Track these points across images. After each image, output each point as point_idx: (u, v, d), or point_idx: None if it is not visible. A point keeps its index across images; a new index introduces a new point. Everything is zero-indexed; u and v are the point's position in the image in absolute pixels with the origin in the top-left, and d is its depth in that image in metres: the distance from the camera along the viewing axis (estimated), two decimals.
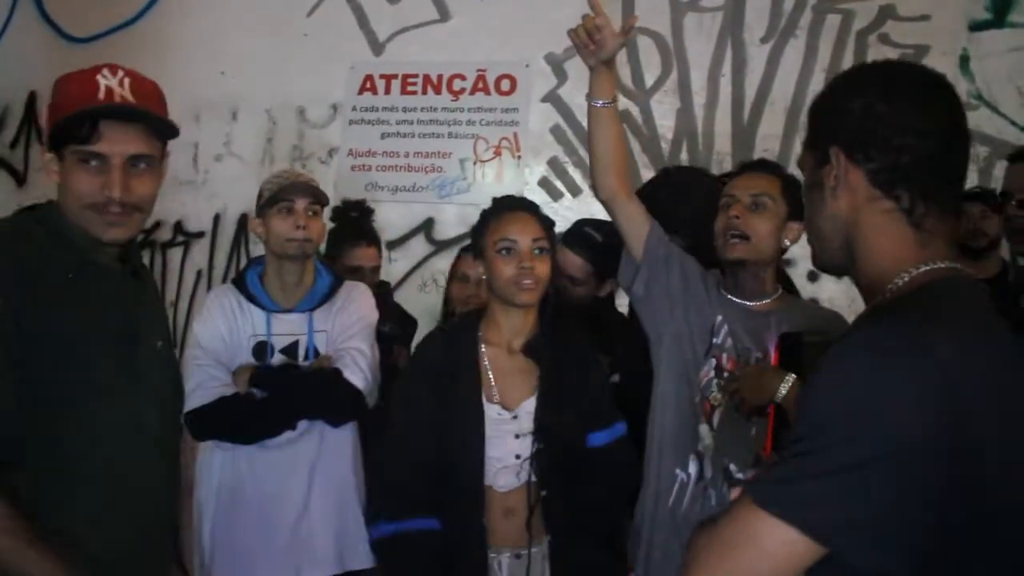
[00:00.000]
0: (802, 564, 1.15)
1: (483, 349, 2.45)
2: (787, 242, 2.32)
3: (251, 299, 2.73)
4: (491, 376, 2.42)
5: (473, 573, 2.33)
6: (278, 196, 2.68)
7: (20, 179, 5.03)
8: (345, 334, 2.74)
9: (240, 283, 2.78)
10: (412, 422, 2.42)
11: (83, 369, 1.74)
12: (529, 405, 2.38)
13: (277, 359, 2.70)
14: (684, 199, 2.74)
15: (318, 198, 2.72)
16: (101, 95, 1.78)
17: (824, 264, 1.44)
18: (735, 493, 1.27)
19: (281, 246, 2.68)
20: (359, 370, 2.66)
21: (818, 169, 1.37)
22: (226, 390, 2.58)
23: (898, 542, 1.12)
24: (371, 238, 3.42)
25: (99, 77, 1.80)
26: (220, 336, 2.68)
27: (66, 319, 1.74)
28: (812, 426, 1.16)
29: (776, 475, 1.19)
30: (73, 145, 1.77)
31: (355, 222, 3.38)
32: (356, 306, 2.80)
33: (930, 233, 1.32)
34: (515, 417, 2.37)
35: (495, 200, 2.55)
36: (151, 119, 1.84)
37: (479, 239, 2.48)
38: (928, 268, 1.29)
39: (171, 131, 1.90)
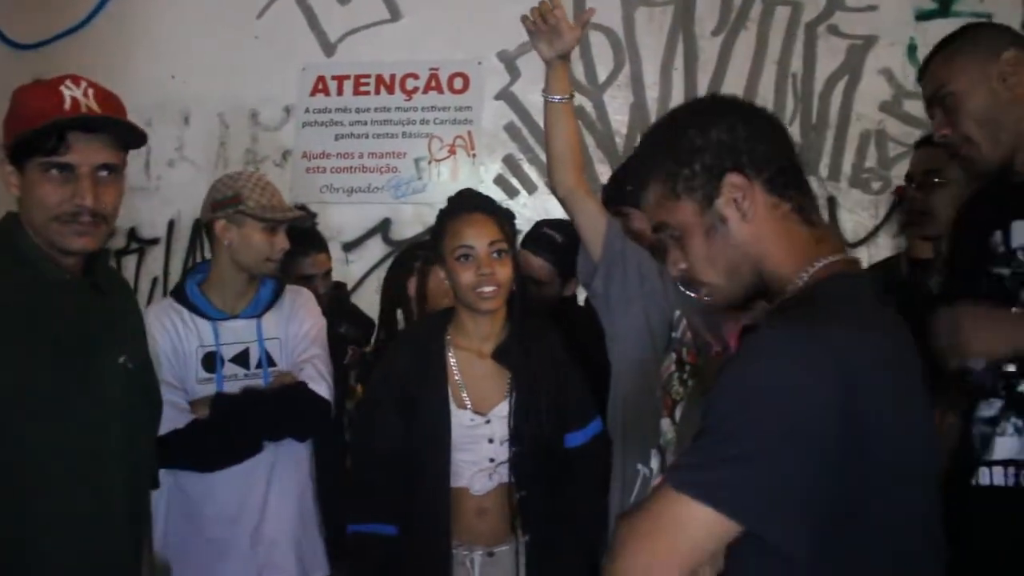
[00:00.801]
0: (721, 541, 1.25)
1: (451, 354, 2.43)
2: None
3: (193, 310, 2.66)
4: (461, 382, 2.40)
5: (436, 571, 2.33)
6: (265, 219, 2.62)
7: None
8: (302, 344, 2.71)
9: (180, 295, 2.71)
10: (378, 427, 2.41)
11: (30, 384, 1.72)
12: (502, 410, 2.38)
13: (228, 370, 2.66)
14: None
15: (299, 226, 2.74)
16: (67, 106, 1.77)
17: (733, 300, 1.48)
18: (656, 481, 1.33)
19: (257, 264, 2.64)
20: (323, 380, 2.65)
21: (707, 209, 1.42)
22: (178, 419, 2.50)
23: (802, 514, 1.22)
24: (319, 245, 3.38)
25: (63, 88, 1.79)
26: (166, 356, 2.60)
27: (12, 333, 1.71)
28: (720, 415, 1.26)
29: (690, 461, 1.28)
30: (39, 157, 1.75)
31: (300, 230, 3.33)
32: (306, 313, 2.77)
33: (820, 228, 1.45)
34: (488, 422, 2.37)
35: (450, 200, 2.51)
36: (123, 127, 1.85)
37: (437, 244, 2.45)
38: (826, 262, 1.40)
39: (139, 139, 1.90)
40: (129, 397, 1.95)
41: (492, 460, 2.36)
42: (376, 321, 3.50)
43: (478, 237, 2.35)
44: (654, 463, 2.33)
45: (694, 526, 1.23)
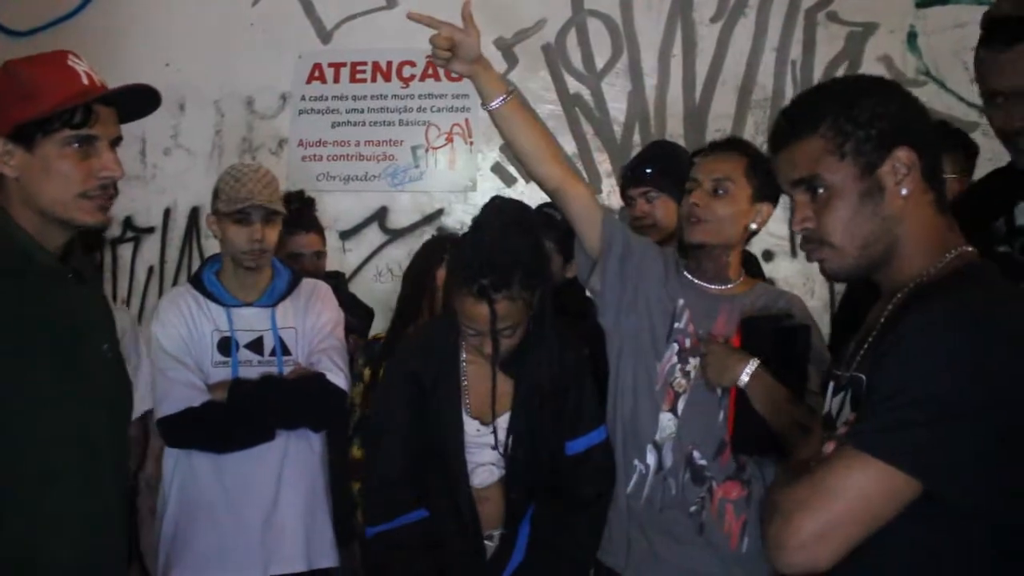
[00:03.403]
0: (902, 504, 1.29)
1: (464, 359, 2.41)
2: (754, 226, 2.30)
3: (209, 296, 2.69)
4: (471, 389, 2.39)
5: (471, 555, 2.35)
6: (233, 205, 2.62)
7: None
8: (319, 335, 2.73)
9: (197, 282, 2.74)
10: (392, 426, 2.39)
11: (19, 374, 1.70)
12: (506, 420, 2.36)
13: (243, 355, 2.67)
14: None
15: (276, 208, 2.68)
16: (85, 80, 1.77)
17: (852, 270, 1.51)
18: (829, 447, 1.37)
19: (237, 257, 2.66)
20: (340, 371, 2.66)
21: (867, 175, 1.45)
22: (194, 397, 2.54)
23: (994, 481, 1.29)
24: (309, 225, 3.35)
25: (71, 64, 1.78)
26: (181, 337, 2.64)
27: (6, 324, 1.69)
28: (905, 383, 1.30)
29: (876, 425, 1.31)
30: (65, 131, 1.73)
31: (294, 213, 3.31)
32: (324, 306, 2.79)
33: (949, 218, 1.51)
34: (493, 430, 2.35)
35: (467, 262, 2.28)
36: (152, 97, 1.88)
37: (447, 293, 2.41)
38: (962, 251, 1.47)
39: (139, 112, 1.91)
40: (113, 386, 1.93)
41: (494, 463, 2.35)
42: (374, 310, 3.50)
43: (479, 322, 2.24)
44: (650, 459, 2.30)
45: (878, 488, 1.28)
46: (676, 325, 2.32)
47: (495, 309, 2.20)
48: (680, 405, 2.28)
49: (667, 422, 2.28)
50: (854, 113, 1.45)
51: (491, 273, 2.20)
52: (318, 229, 3.42)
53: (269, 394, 2.61)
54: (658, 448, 2.29)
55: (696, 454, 2.26)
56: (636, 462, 2.31)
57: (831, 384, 1.60)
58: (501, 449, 2.34)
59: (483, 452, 2.36)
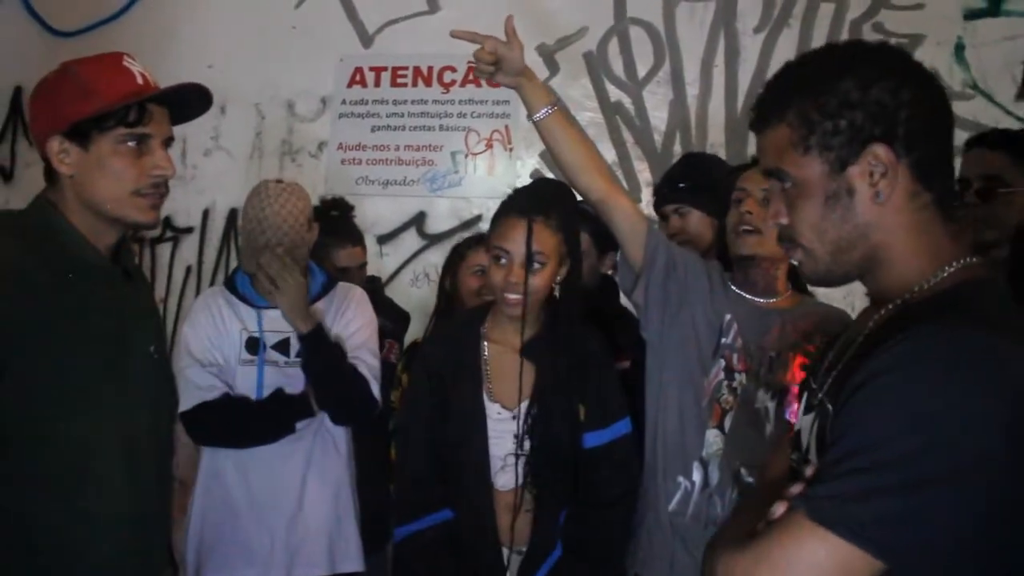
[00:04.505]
0: None
1: (485, 346, 2.40)
2: None
3: (241, 298, 2.72)
4: (491, 375, 2.37)
5: (488, 571, 2.31)
6: (261, 233, 2.64)
7: (7, 175, 4.96)
8: (351, 343, 2.72)
9: (230, 283, 2.77)
10: (417, 421, 2.39)
11: (69, 374, 1.71)
12: (527, 406, 2.34)
13: (270, 355, 2.68)
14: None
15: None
16: (140, 80, 1.81)
17: (827, 276, 1.33)
18: (780, 509, 1.16)
19: (261, 285, 2.68)
20: (376, 383, 2.66)
21: (837, 174, 1.26)
22: (206, 394, 2.57)
23: (960, 559, 1.09)
24: (355, 238, 3.36)
25: (127, 64, 1.82)
26: (207, 337, 2.66)
27: (51, 323, 1.70)
28: (873, 439, 1.09)
29: (833, 491, 1.10)
30: (120, 129, 1.77)
31: (336, 222, 3.31)
32: (357, 311, 2.78)
33: (958, 224, 1.32)
34: (514, 417, 2.33)
35: (515, 191, 2.47)
36: (203, 98, 1.93)
37: (488, 232, 2.41)
38: (962, 264, 1.25)
39: (193, 113, 1.97)
40: (156, 387, 1.95)
41: (514, 456, 2.32)
42: (410, 315, 3.51)
43: (516, 243, 2.26)
44: (696, 476, 2.27)
45: (832, 565, 1.08)
46: (723, 340, 2.28)
47: (533, 227, 2.23)
48: (727, 422, 2.25)
49: (714, 438, 2.25)
50: (822, 99, 1.25)
51: (534, 198, 2.30)
52: (361, 240, 3.41)
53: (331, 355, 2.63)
54: (704, 465, 2.26)
55: (744, 471, 2.22)
56: (681, 479, 2.28)
57: (804, 397, 1.45)
58: (521, 430, 2.31)
59: (503, 441, 2.33)
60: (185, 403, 2.52)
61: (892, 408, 1.09)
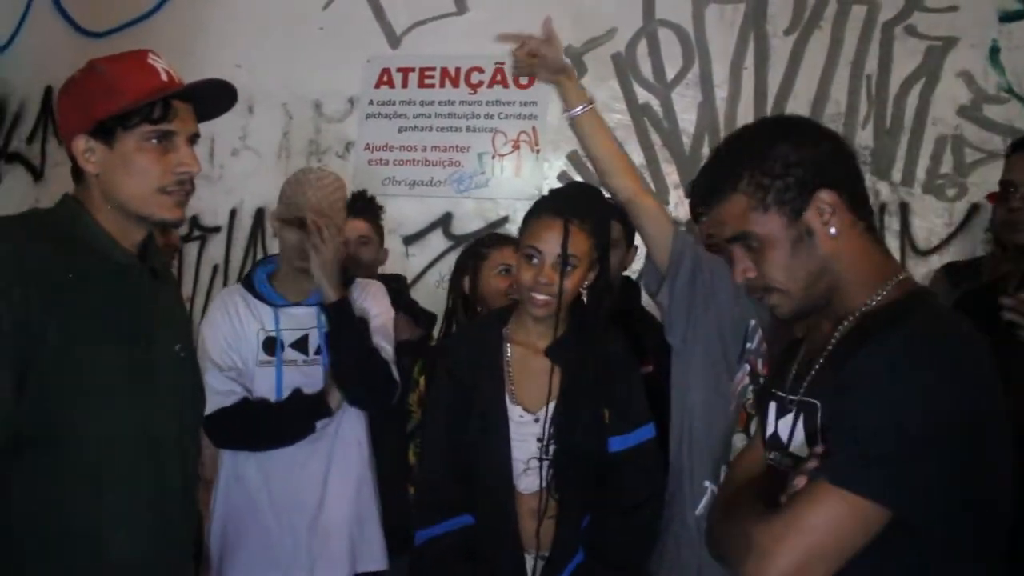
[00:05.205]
0: (873, 533, 1.34)
1: (508, 348, 2.39)
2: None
3: (258, 296, 2.71)
4: (514, 377, 2.36)
5: (510, 574, 2.29)
6: (291, 216, 2.65)
7: (37, 174, 5.01)
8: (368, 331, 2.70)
9: (247, 282, 2.76)
10: (438, 424, 2.38)
11: (93, 372, 1.71)
12: (551, 410, 2.32)
13: (288, 355, 2.68)
14: None
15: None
16: (164, 77, 1.80)
17: (801, 311, 1.56)
18: (800, 481, 1.40)
19: (289, 257, 2.68)
20: (393, 367, 2.66)
21: (795, 221, 1.50)
22: (226, 398, 2.57)
23: (946, 502, 1.34)
24: (358, 211, 3.33)
25: (151, 61, 1.82)
26: (224, 338, 2.66)
27: (76, 322, 1.70)
28: (870, 418, 1.35)
29: (846, 459, 1.35)
30: (145, 126, 1.77)
31: (354, 198, 3.34)
32: (373, 303, 2.78)
33: (882, 245, 1.57)
34: (537, 420, 2.32)
35: (552, 192, 2.48)
36: (228, 94, 1.93)
37: (520, 231, 2.40)
38: (902, 278, 1.53)
39: (218, 109, 1.96)
40: (182, 385, 1.95)
41: (538, 459, 2.30)
42: (436, 315, 3.49)
43: (550, 243, 2.25)
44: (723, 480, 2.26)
45: (852, 521, 1.33)
46: (748, 345, 2.27)
47: (569, 229, 2.24)
48: (753, 427, 2.23)
49: (740, 443, 2.24)
50: (768, 165, 1.50)
51: (569, 200, 2.33)
52: (369, 217, 3.39)
53: (348, 337, 2.63)
54: None
55: None
56: (707, 483, 2.27)
57: (771, 404, 1.64)
58: (547, 433, 2.30)
59: (527, 445, 2.31)
60: (207, 408, 2.51)
61: (885, 390, 1.35)
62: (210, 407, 2.49)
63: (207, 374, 2.58)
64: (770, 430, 1.63)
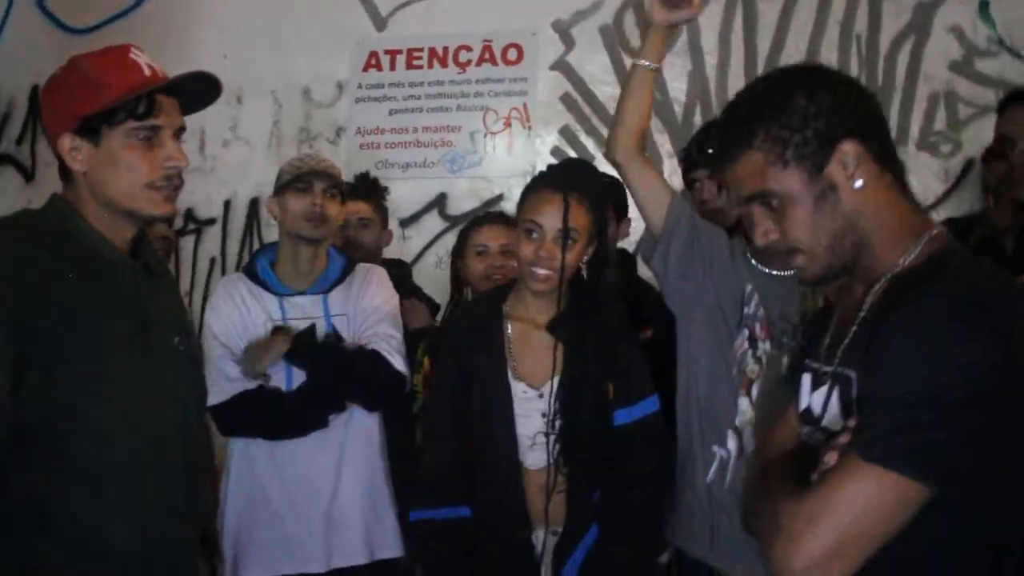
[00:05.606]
0: (912, 511, 1.25)
1: (508, 325, 2.38)
2: None
3: (262, 285, 2.69)
4: (515, 353, 2.35)
5: (518, 553, 2.29)
6: (297, 178, 2.65)
7: (28, 175, 4.98)
8: (372, 318, 2.69)
9: (250, 270, 2.75)
10: (442, 407, 2.37)
11: (91, 367, 1.71)
12: (554, 385, 2.32)
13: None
14: None
15: (337, 183, 2.69)
16: (147, 72, 1.78)
17: (826, 271, 1.46)
18: (831, 457, 1.32)
19: (296, 225, 2.65)
20: (396, 353, 2.63)
21: (817, 175, 1.40)
22: (238, 386, 2.55)
23: (989, 473, 1.25)
24: (358, 193, 3.35)
25: (133, 56, 1.80)
26: (233, 326, 2.64)
27: (72, 318, 1.69)
28: (905, 387, 1.25)
29: (880, 433, 1.26)
30: (130, 123, 1.75)
31: (356, 180, 3.38)
32: (377, 288, 2.76)
33: (912, 198, 1.46)
34: (541, 395, 2.31)
35: (550, 167, 2.47)
36: (212, 86, 1.90)
37: (519, 206, 2.39)
38: (931, 235, 1.41)
39: (204, 101, 1.94)
40: (182, 379, 1.94)
41: (544, 435, 2.30)
42: (440, 305, 3.49)
43: (550, 217, 2.25)
44: (731, 444, 2.26)
45: (890, 499, 1.24)
46: (745, 311, 2.28)
47: (569, 203, 2.23)
48: (755, 391, 2.25)
49: (746, 406, 2.25)
50: (785, 118, 1.41)
51: (569, 175, 2.34)
52: (370, 199, 3.39)
53: (330, 360, 2.59)
54: (739, 433, 2.25)
55: None
56: (716, 448, 2.28)
57: (806, 377, 1.55)
58: (552, 408, 2.29)
59: (531, 420, 2.31)
60: (216, 395, 2.50)
61: (919, 357, 1.26)
62: (220, 394, 2.49)
63: (215, 359, 2.58)
64: (803, 404, 1.54)
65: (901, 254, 1.40)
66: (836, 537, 1.25)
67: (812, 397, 1.51)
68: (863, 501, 1.24)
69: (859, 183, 1.40)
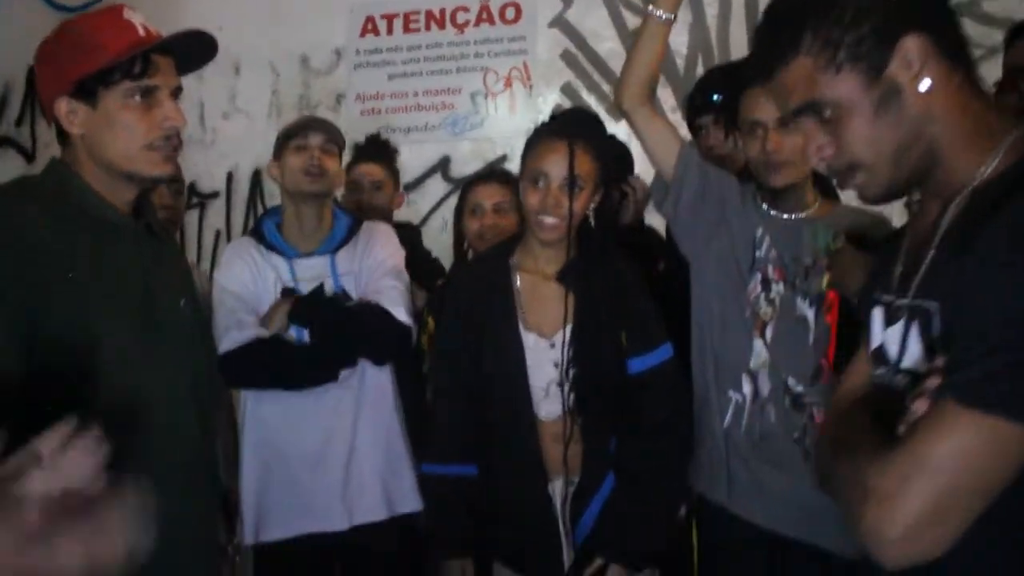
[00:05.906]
0: (1021, 462, 1.07)
1: (517, 277, 2.37)
2: None
3: (270, 247, 2.68)
4: (525, 303, 2.34)
5: (535, 503, 2.29)
6: (292, 133, 2.67)
7: (29, 156, 4.97)
8: (377, 272, 2.68)
9: (257, 233, 2.74)
10: (449, 367, 2.37)
11: (97, 330, 1.69)
12: (566, 335, 2.31)
13: None
14: None
15: (333, 136, 2.70)
16: (141, 32, 1.76)
17: (890, 187, 1.28)
18: (920, 405, 1.13)
19: (296, 182, 2.65)
20: (401, 307, 2.61)
21: (876, 80, 1.21)
22: (261, 331, 2.53)
23: None
24: (371, 155, 3.33)
25: (127, 17, 1.78)
26: (244, 282, 2.63)
27: (76, 282, 1.67)
28: (1003, 318, 1.06)
29: (981, 371, 1.06)
30: (126, 83, 1.73)
31: (367, 143, 3.39)
32: (382, 245, 2.75)
33: (989, 98, 1.26)
34: (552, 345, 2.30)
35: (553, 117, 2.45)
36: (207, 44, 1.87)
37: (523, 157, 2.36)
38: (1014, 137, 1.21)
39: (199, 61, 1.91)
40: (190, 339, 1.93)
41: (560, 385, 2.29)
42: (445, 265, 3.47)
43: (556, 165, 2.23)
44: (746, 388, 2.25)
45: (993, 449, 1.06)
46: (757, 254, 2.27)
47: (574, 150, 2.21)
48: (768, 333, 2.23)
49: (760, 349, 2.24)
50: (835, 15, 1.22)
51: (574, 123, 2.32)
52: (382, 161, 3.36)
53: (335, 318, 2.58)
54: (753, 376, 2.24)
55: (792, 381, 2.21)
56: (731, 392, 2.27)
57: (877, 312, 1.36)
58: (566, 357, 2.28)
59: (544, 371, 2.30)
60: (227, 343, 2.48)
61: (1012, 283, 1.07)
62: (230, 343, 2.48)
63: (226, 308, 2.56)
64: (875, 343, 1.35)
65: (980, 164, 1.21)
66: (936, 497, 1.07)
67: (886, 334, 1.33)
68: (964, 453, 1.06)
69: (926, 84, 1.21)
